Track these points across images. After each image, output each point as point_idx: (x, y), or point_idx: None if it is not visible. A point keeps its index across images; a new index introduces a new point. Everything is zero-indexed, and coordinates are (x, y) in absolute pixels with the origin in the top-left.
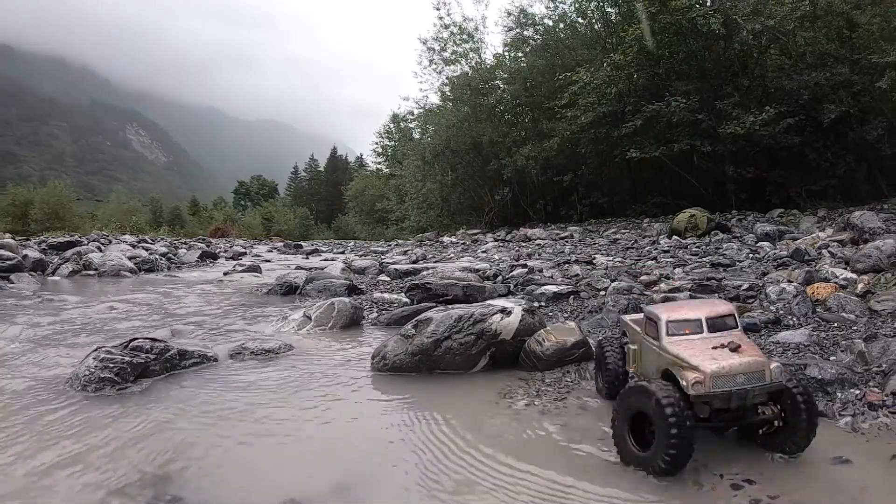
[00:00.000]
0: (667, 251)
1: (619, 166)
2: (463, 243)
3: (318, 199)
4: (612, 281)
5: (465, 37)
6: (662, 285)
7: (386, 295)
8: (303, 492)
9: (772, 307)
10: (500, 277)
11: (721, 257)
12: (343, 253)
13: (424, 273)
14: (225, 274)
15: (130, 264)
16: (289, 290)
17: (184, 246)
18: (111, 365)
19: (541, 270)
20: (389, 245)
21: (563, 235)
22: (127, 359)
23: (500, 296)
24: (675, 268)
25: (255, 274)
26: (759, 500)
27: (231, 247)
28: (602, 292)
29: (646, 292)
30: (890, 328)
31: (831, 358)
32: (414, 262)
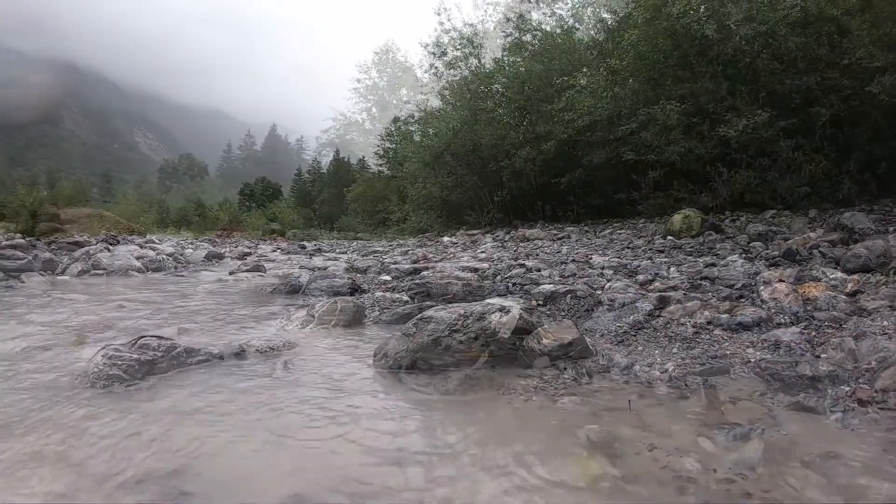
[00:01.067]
0: (662, 251)
1: (615, 168)
2: (463, 243)
3: (320, 199)
4: (608, 280)
5: (464, 42)
6: (657, 284)
7: (387, 294)
8: (306, 488)
9: (763, 305)
10: (498, 277)
11: (715, 257)
12: (346, 253)
13: (425, 273)
14: (230, 273)
15: (138, 264)
16: (292, 290)
17: (190, 246)
18: (119, 362)
19: (538, 270)
20: (391, 245)
21: (560, 236)
22: (135, 356)
23: (499, 295)
24: (669, 267)
25: (260, 273)
26: (751, 494)
27: (236, 246)
28: (598, 291)
29: (641, 291)
30: (879, 326)
31: (822, 355)
32: (415, 262)
